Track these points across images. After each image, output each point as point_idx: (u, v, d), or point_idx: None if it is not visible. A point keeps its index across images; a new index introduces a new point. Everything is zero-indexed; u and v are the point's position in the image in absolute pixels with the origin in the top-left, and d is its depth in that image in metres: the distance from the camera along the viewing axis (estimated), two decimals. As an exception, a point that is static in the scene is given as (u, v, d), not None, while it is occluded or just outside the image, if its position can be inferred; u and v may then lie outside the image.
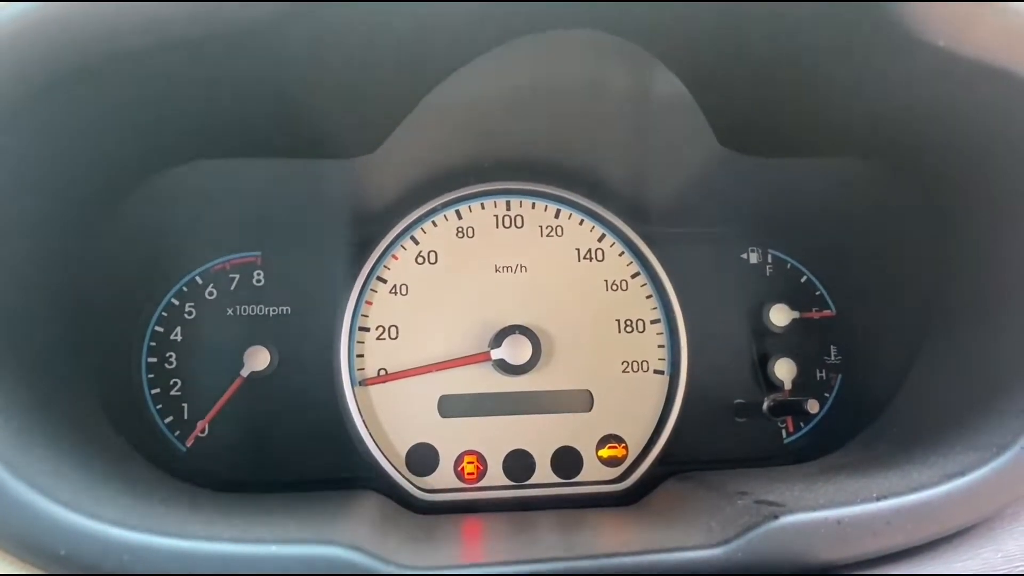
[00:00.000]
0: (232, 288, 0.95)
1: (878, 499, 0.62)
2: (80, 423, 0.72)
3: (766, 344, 1.01)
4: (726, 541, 0.60)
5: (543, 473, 0.93)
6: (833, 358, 1.03)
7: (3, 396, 0.60)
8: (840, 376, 1.02)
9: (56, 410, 0.68)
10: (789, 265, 1.05)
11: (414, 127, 0.76)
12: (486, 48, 0.66)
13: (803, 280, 1.04)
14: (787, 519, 0.60)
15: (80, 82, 0.55)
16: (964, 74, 0.59)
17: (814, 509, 0.61)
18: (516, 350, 0.92)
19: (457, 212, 0.97)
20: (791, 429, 1.01)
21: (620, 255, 0.99)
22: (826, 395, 1.02)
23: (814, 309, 1.04)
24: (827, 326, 1.03)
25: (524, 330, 0.92)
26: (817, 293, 1.04)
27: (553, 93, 0.78)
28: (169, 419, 0.91)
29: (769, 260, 1.05)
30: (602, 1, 0.60)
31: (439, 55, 0.66)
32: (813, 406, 0.91)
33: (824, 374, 1.02)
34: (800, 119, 0.76)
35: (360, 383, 0.91)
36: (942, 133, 0.71)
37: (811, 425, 1.01)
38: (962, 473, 0.64)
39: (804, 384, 1.01)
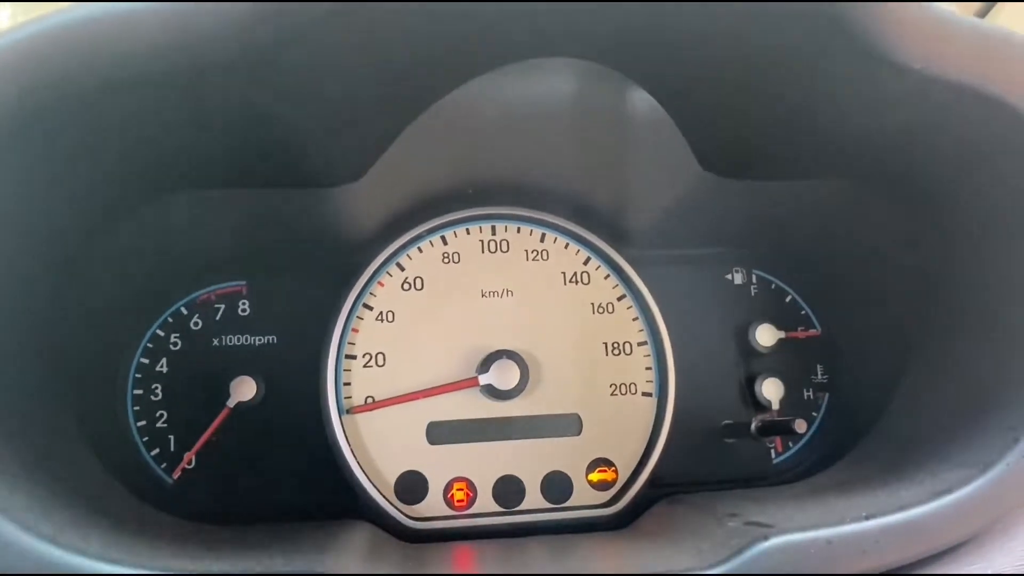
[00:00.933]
0: (217, 318, 0.94)
1: (867, 518, 0.62)
2: (64, 456, 0.72)
3: (753, 364, 1.02)
4: (716, 563, 0.60)
5: (533, 499, 0.92)
6: (820, 377, 1.03)
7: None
8: (827, 395, 1.03)
9: (39, 444, 0.67)
10: (774, 285, 1.05)
11: (398, 155, 0.76)
12: (469, 77, 0.67)
13: (788, 300, 1.05)
14: (776, 540, 0.60)
15: (64, 114, 0.55)
16: (940, 94, 0.60)
17: (803, 529, 0.61)
18: (504, 375, 0.91)
19: (443, 238, 0.97)
20: (780, 449, 1.01)
21: (606, 278, 0.99)
22: (814, 414, 1.02)
23: (800, 328, 1.04)
24: (813, 345, 1.04)
25: (511, 355, 0.92)
26: (802, 312, 1.05)
27: (536, 118, 0.79)
28: (155, 451, 0.90)
29: (754, 280, 1.05)
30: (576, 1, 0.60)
31: (422, 84, 0.67)
32: (801, 426, 0.91)
33: (811, 393, 1.03)
34: (779, 142, 0.77)
35: (347, 411, 0.91)
36: (922, 153, 0.72)
37: (800, 445, 1.02)
38: (949, 490, 0.65)
39: (792, 404, 1.01)
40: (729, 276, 1.05)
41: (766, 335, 1.01)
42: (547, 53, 0.66)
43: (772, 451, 1.02)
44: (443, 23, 0.57)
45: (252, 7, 0.52)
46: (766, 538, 0.60)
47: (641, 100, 0.73)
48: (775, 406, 1.00)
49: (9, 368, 0.67)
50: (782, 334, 1.02)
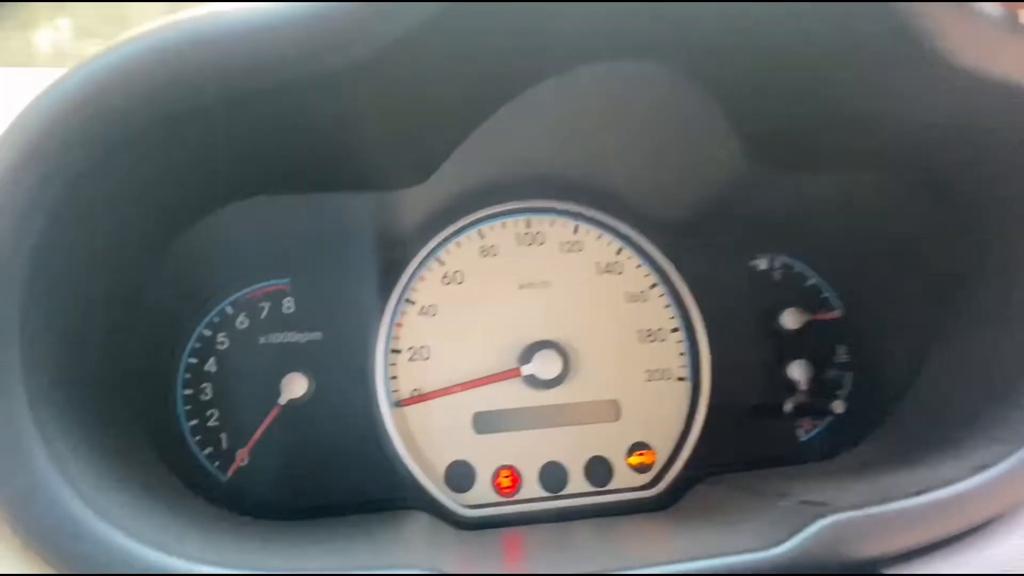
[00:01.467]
0: (263, 316, 0.96)
1: (918, 494, 0.65)
2: (138, 459, 0.73)
3: (780, 347, 1.05)
4: (779, 543, 0.62)
5: (577, 483, 0.95)
6: (844, 357, 1.06)
7: (72, 437, 0.61)
8: (852, 375, 1.06)
9: (115, 448, 0.69)
10: (796, 269, 1.08)
11: (463, 157, 0.78)
12: (538, 80, 0.68)
13: (810, 283, 1.08)
14: (836, 517, 0.62)
15: (155, 131, 0.56)
16: (989, 93, 0.62)
17: (859, 507, 0.64)
18: (545, 365, 0.94)
19: (479, 232, 0.99)
20: (808, 429, 1.05)
21: (638, 267, 1.02)
22: (838, 393, 1.06)
23: (822, 311, 1.07)
24: (836, 327, 1.06)
25: (552, 345, 0.95)
26: (824, 295, 1.08)
27: (584, 114, 0.80)
28: (208, 450, 0.92)
29: (777, 265, 1.08)
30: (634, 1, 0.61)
31: (497, 89, 0.69)
32: (838, 407, 0.94)
33: (837, 373, 1.06)
34: (826, 135, 0.79)
35: (396, 404, 0.93)
36: (965, 151, 0.74)
37: (826, 424, 1.05)
38: (989, 465, 0.68)
39: (818, 384, 1.04)
40: (754, 262, 1.08)
41: (792, 318, 1.04)
42: (614, 55, 0.68)
43: (799, 430, 1.05)
44: (528, 28, 0.58)
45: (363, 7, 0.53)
46: (824, 516, 0.63)
47: (694, 94, 0.74)
48: (803, 386, 1.03)
49: (82, 376, 0.68)
50: (807, 316, 1.05)
